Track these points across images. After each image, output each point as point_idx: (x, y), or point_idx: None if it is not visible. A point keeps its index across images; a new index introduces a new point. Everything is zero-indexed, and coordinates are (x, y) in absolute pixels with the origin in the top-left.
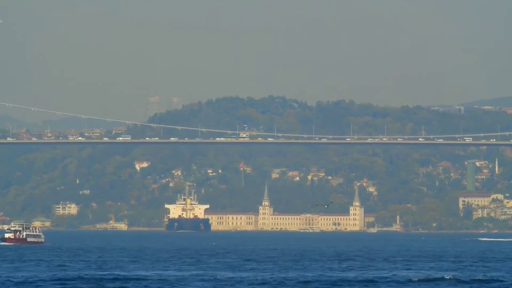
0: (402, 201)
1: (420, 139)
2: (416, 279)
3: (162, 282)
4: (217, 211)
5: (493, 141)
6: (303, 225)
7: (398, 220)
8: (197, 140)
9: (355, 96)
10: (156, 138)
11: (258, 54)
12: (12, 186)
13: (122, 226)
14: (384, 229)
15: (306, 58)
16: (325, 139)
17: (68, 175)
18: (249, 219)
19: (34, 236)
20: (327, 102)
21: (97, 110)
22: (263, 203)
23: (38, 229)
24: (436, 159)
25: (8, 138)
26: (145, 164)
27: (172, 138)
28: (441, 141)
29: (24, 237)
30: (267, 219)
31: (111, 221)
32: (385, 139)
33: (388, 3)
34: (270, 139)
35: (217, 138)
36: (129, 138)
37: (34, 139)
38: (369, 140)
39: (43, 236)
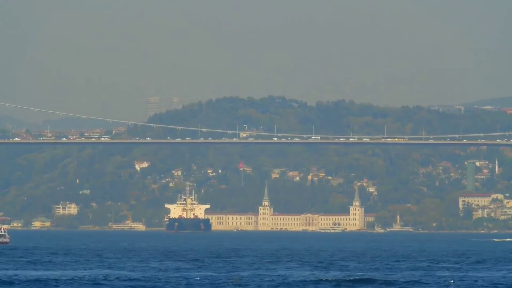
0: (402, 201)
1: (420, 138)
2: None
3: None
4: (217, 211)
5: (483, 141)
6: (303, 225)
7: (398, 220)
8: (196, 140)
9: (355, 96)
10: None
11: (258, 54)
12: (12, 186)
13: (140, 226)
14: (397, 229)
15: (306, 58)
16: (325, 139)
17: (68, 175)
18: (249, 219)
19: None
20: (327, 102)
21: (97, 110)
22: (263, 203)
23: (3, 229)
24: (436, 159)
25: (7, 138)
26: (145, 164)
27: (178, 139)
28: (441, 140)
29: None
30: (267, 219)
31: (128, 221)
32: (385, 139)
33: (389, 3)
34: (274, 139)
35: (211, 139)
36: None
37: (34, 139)
38: (369, 140)
39: (8, 236)
